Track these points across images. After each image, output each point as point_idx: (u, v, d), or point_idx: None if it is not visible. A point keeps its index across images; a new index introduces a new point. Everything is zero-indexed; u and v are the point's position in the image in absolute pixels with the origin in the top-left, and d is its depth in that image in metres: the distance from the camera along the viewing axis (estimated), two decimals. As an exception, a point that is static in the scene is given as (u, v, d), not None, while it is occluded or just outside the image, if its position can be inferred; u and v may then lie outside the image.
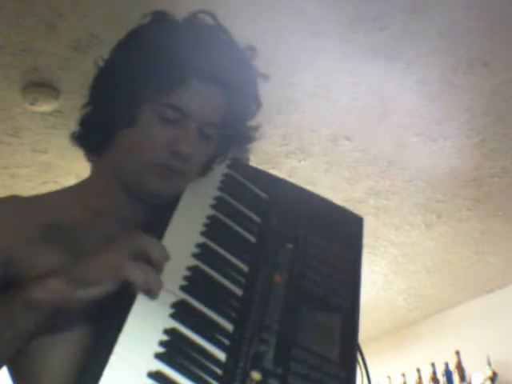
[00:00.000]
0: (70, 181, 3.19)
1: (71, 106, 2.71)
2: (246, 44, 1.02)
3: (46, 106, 2.71)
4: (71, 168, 3.14)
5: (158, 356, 0.75)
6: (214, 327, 0.82)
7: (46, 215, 0.94)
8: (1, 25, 2.32)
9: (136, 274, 0.77)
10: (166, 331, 0.78)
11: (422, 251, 4.07)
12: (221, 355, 0.80)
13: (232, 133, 1.02)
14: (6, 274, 0.88)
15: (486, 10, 2.32)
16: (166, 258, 0.82)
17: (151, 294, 0.79)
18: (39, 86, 2.61)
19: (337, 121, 2.92)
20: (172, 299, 0.81)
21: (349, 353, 0.91)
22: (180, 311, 0.80)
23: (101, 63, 0.99)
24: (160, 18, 0.99)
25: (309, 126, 2.95)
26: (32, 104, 2.68)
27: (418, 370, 4.76)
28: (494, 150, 3.11)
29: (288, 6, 2.28)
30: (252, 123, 1.05)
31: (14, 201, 0.96)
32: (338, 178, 3.32)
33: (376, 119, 2.91)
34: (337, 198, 3.43)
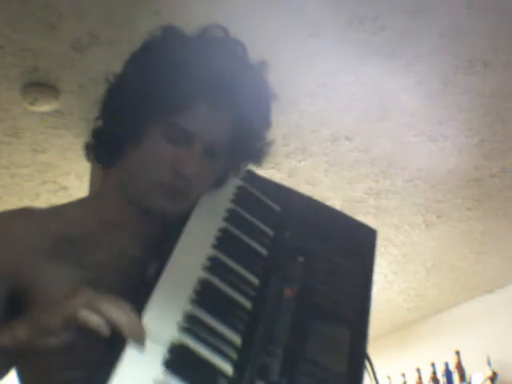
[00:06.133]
0: (70, 181, 3.19)
1: (71, 105, 2.71)
2: (259, 60, 0.99)
3: (45, 106, 2.71)
4: (71, 168, 3.13)
5: (166, 363, 0.75)
6: (223, 340, 0.82)
7: (58, 228, 0.93)
8: (1, 25, 2.32)
9: (90, 318, 0.72)
10: (174, 345, 0.77)
11: (422, 251, 4.07)
12: (227, 368, 0.80)
13: (240, 152, 1.01)
14: (16, 287, 0.88)
15: (486, 9, 2.32)
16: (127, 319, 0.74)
17: (125, 333, 0.72)
18: (39, 85, 2.61)
19: (337, 121, 2.92)
20: (180, 316, 0.81)
21: (357, 365, 0.91)
22: (190, 325, 0.81)
23: (112, 78, 0.98)
24: (172, 34, 0.98)
25: (309, 126, 2.95)
26: (32, 104, 2.68)
27: (418, 370, 4.76)
28: (494, 150, 3.11)
29: (288, 6, 2.28)
30: (264, 139, 1.03)
31: (27, 213, 0.96)
32: (338, 178, 3.31)
33: (376, 119, 2.91)
34: (337, 197, 3.43)
